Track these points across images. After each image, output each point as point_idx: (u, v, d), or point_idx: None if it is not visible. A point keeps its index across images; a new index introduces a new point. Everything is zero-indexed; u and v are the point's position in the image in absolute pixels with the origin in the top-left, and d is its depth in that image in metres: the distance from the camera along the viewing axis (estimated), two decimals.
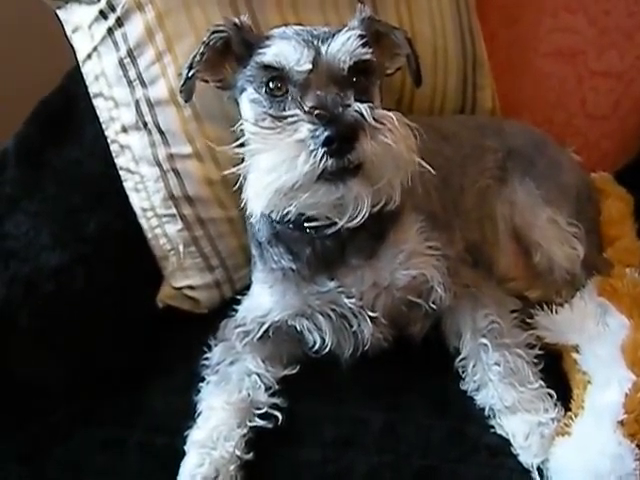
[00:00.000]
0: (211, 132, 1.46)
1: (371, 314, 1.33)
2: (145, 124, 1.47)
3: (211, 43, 1.28)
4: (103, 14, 1.46)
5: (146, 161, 1.49)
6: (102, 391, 1.36)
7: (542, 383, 1.30)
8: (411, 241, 1.35)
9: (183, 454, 1.23)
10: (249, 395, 1.29)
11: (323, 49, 1.21)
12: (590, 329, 1.37)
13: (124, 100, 1.48)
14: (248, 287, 1.45)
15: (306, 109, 1.12)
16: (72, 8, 1.51)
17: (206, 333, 1.42)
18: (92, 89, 1.53)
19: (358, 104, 1.11)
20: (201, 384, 1.33)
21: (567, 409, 1.27)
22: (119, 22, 1.45)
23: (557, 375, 1.35)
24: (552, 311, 1.42)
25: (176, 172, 1.47)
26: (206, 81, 1.34)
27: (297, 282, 1.33)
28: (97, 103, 1.53)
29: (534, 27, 1.78)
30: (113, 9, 1.45)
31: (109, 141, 1.54)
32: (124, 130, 1.50)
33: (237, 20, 1.30)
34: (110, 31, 1.46)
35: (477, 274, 1.45)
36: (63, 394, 1.34)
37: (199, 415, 1.28)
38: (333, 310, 1.33)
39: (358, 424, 1.30)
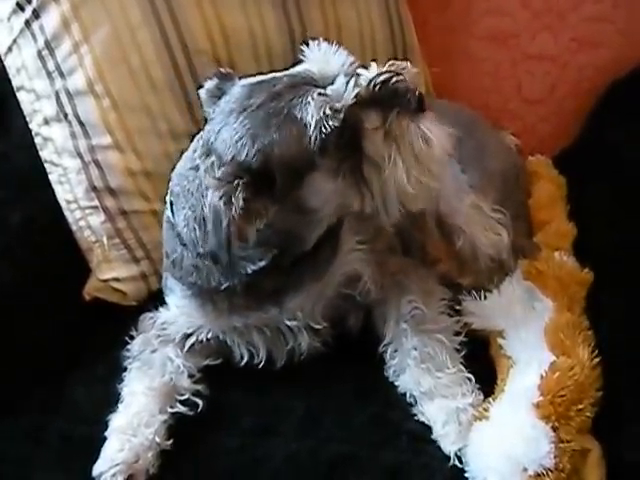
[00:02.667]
0: (130, 122, 1.45)
1: (313, 325, 1.32)
2: (66, 115, 1.46)
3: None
4: (20, 6, 1.45)
5: (68, 153, 1.48)
6: (23, 381, 1.35)
7: (461, 368, 1.29)
8: (345, 243, 1.34)
9: (103, 442, 1.21)
10: (171, 380, 1.28)
11: None
12: (516, 314, 1.37)
13: (44, 92, 1.47)
14: None
15: None
16: None
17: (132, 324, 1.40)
18: (15, 82, 1.52)
19: None
20: (124, 373, 1.32)
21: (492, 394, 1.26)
22: (35, 14, 1.44)
23: (486, 361, 1.34)
24: (480, 297, 1.41)
25: (97, 163, 1.47)
26: None
27: (233, 305, 1.29)
28: (20, 96, 1.52)
29: (466, 11, 1.77)
30: (29, 1, 1.44)
31: (33, 134, 1.52)
32: (46, 122, 1.49)
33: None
34: (27, 23, 1.45)
35: (406, 262, 1.45)
36: None
37: (121, 401, 1.27)
38: (267, 326, 1.32)
39: (279, 412, 1.30)
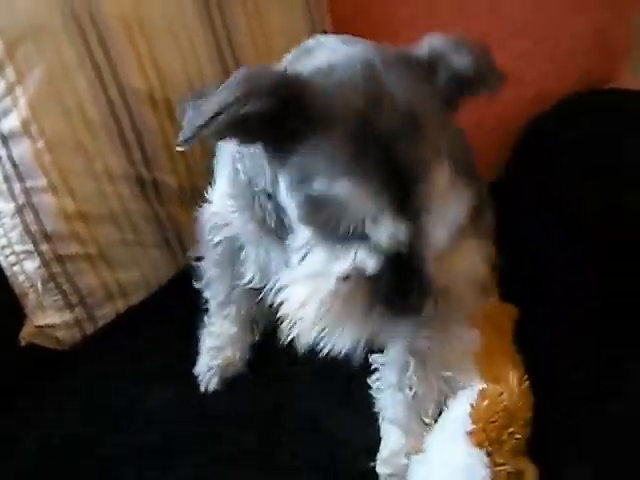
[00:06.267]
0: (66, 164, 1.44)
1: None
2: None
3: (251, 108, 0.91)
4: None
5: (2, 196, 1.46)
6: None
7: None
8: None
9: None
10: None
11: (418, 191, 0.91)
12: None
13: None
14: (111, 324, 1.47)
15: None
16: None
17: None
18: None
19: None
20: None
21: None
22: None
23: None
24: None
25: (32, 206, 1.45)
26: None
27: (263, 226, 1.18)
28: None
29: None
30: None
31: None
32: None
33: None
34: None
35: None
36: None
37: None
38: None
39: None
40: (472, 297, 1.07)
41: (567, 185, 1.70)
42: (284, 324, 1.01)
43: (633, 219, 1.56)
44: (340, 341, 0.99)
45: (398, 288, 0.93)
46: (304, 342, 1.00)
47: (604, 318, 1.43)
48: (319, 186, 0.91)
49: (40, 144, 1.43)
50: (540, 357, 1.37)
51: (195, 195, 1.57)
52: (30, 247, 1.47)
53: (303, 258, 0.99)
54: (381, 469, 1.28)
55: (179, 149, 0.98)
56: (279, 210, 1.08)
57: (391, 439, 1.31)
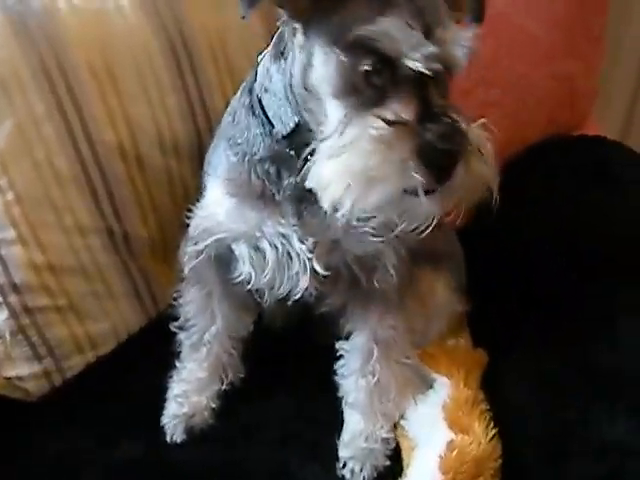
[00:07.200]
0: (35, 216, 1.44)
1: (317, 268, 1.30)
2: None
3: None
4: None
5: None
6: None
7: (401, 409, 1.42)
8: None
9: None
10: None
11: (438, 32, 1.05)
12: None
13: None
14: (79, 375, 1.46)
15: (416, 117, 1.02)
16: None
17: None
18: None
19: (464, 124, 1.03)
20: None
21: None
22: None
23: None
24: None
25: (0, 258, 1.44)
26: None
27: (260, 200, 1.28)
28: None
29: None
30: None
31: None
32: None
33: None
34: None
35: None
36: None
37: None
38: (282, 245, 1.30)
39: None
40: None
41: (532, 236, 1.73)
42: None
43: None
44: (377, 194, 1.02)
45: (435, 138, 1.00)
46: (348, 200, 1.04)
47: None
48: (360, 30, 1.03)
49: (9, 196, 1.43)
50: (508, 404, 1.40)
51: (167, 246, 1.60)
52: None
53: (341, 133, 1.06)
54: (342, 452, 1.37)
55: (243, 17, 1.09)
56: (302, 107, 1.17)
57: (352, 423, 1.41)
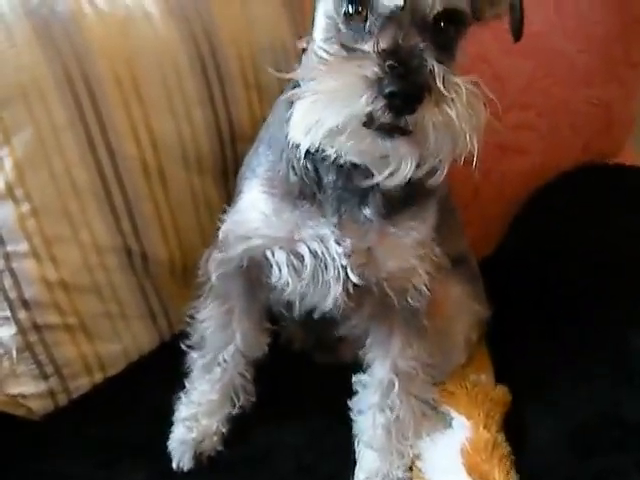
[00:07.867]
0: (50, 230, 1.40)
1: (351, 276, 1.27)
2: None
3: None
4: None
5: None
6: None
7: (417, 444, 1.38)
8: (422, 231, 1.30)
9: None
10: None
11: None
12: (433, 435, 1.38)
13: None
14: (84, 395, 1.41)
15: (379, 50, 1.04)
16: None
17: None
18: None
19: (434, 63, 1.03)
20: None
21: None
22: None
23: None
24: None
25: (12, 272, 1.40)
26: None
27: (299, 199, 1.26)
28: None
29: None
30: None
31: None
32: None
33: None
34: None
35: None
36: None
37: None
38: (319, 249, 1.27)
39: None
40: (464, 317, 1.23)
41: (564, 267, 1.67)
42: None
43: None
44: (332, 116, 1.04)
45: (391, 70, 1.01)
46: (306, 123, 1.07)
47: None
48: None
49: (25, 208, 1.39)
50: (531, 449, 1.34)
51: (187, 269, 1.54)
52: (7, 313, 1.42)
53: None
54: None
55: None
56: None
57: (366, 460, 1.36)
